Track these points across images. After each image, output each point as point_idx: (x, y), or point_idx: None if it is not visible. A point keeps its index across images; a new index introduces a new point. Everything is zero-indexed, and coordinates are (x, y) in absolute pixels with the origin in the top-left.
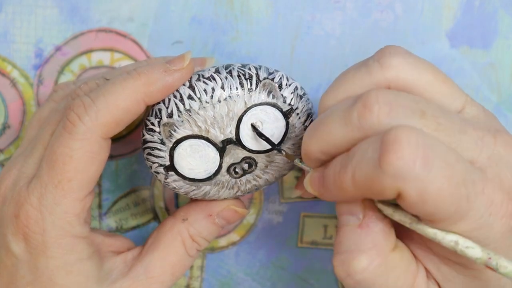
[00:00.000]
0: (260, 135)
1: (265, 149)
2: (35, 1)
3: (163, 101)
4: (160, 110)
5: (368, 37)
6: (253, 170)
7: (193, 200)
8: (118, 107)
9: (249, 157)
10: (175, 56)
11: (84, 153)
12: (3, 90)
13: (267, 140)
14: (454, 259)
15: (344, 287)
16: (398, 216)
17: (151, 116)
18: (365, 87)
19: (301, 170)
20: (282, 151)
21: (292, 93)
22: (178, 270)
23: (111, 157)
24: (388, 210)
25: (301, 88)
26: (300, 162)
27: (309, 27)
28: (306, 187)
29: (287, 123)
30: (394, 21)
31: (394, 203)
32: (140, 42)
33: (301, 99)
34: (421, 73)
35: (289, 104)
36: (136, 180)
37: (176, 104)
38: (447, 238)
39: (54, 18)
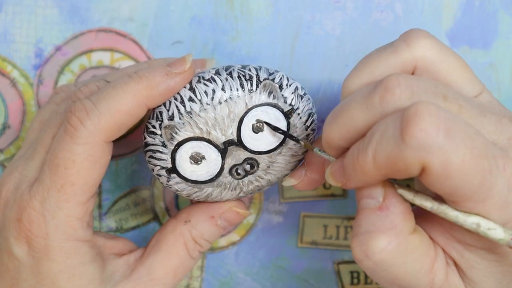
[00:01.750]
0: (275, 128)
1: (267, 149)
2: (35, 1)
3: (164, 103)
4: (161, 112)
5: (368, 37)
6: (255, 171)
7: (195, 202)
8: (120, 111)
9: (251, 158)
10: (176, 58)
11: (87, 157)
12: (3, 90)
13: (284, 132)
14: (477, 244)
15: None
16: (419, 201)
17: (152, 119)
18: (390, 67)
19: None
20: (301, 141)
21: (292, 93)
22: (181, 272)
23: (111, 157)
24: (409, 195)
25: (302, 88)
26: (320, 151)
27: (309, 27)
28: (328, 180)
29: (288, 124)
30: (394, 21)
31: (414, 190)
32: (140, 42)
33: (301, 99)
34: (446, 56)
35: (290, 104)
36: (136, 180)
37: (177, 107)
38: (469, 221)
39: (54, 18)
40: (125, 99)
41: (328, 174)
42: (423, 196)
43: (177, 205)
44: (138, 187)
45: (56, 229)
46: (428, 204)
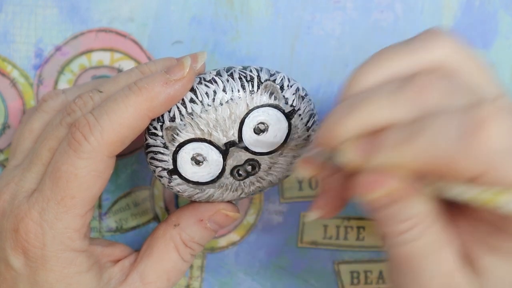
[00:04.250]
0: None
1: (268, 150)
2: (35, 1)
3: None
4: (162, 114)
5: (368, 37)
6: (256, 172)
7: (184, 205)
8: (122, 125)
9: (252, 159)
10: (176, 62)
11: (89, 172)
12: (3, 90)
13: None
14: (503, 247)
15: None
16: (473, 191)
17: (154, 120)
18: (411, 66)
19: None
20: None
21: (294, 94)
22: (174, 276)
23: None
24: (458, 188)
25: (303, 89)
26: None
27: (309, 27)
28: (346, 148)
29: (290, 125)
30: (394, 21)
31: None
32: (140, 42)
33: (303, 100)
34: (468, 57)
35: (291, 105)
36: (136, 180)
37: (178, 108)
38: None
39: (54, 18)
40: (127, 113)
41: (348, 147)
42: (472, 186)
43: (177, 205)
44: (138, 187)
45: (53, 240)
46: (476, 190)
